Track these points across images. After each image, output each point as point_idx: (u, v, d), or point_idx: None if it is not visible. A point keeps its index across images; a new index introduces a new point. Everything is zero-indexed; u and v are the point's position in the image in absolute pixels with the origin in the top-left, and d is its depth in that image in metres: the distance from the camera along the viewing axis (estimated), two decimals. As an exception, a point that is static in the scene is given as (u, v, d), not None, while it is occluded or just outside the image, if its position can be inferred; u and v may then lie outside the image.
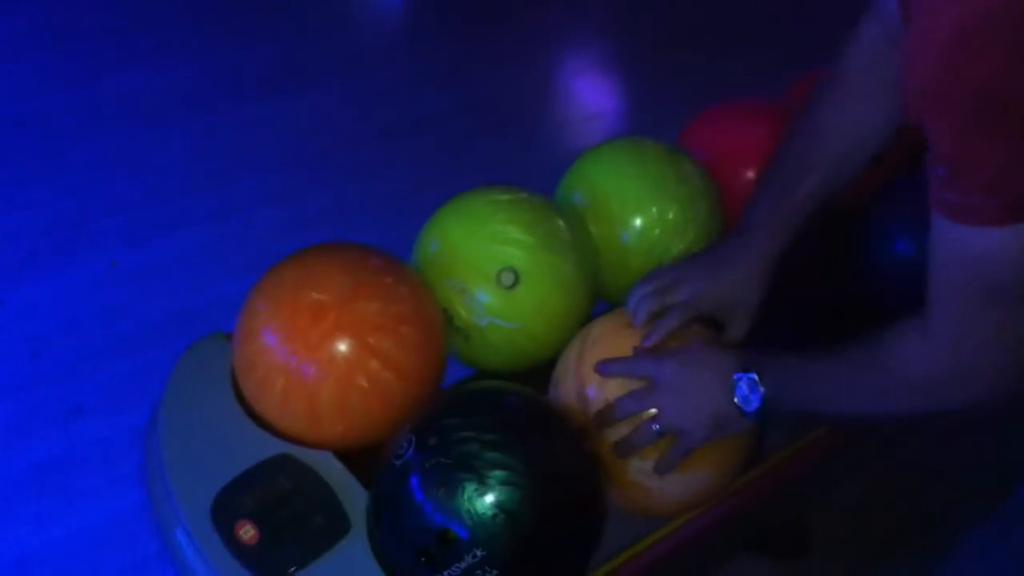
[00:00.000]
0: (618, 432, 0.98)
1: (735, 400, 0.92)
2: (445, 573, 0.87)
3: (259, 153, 2.87)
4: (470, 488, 0.87)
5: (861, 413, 0.92)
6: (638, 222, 1.19)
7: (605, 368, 0.99)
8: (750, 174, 1.32)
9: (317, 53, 3.49)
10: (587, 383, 1.02)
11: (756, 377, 0.91)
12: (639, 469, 0.99)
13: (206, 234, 2.50)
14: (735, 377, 0.92)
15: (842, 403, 0.92)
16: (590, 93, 3.52)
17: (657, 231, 1.19)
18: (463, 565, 0.87)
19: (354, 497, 0.97)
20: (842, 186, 1.05)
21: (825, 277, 1.36)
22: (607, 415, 0.98)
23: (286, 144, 2.92)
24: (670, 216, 1.19)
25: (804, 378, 0.92)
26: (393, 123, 3.05)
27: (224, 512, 0.92)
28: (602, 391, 1.00)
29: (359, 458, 1.02)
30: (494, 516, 0.86)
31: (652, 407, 0.96)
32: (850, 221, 1.33)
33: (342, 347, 0.98)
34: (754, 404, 0.91)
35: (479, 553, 0.86)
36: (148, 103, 3.11)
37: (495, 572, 0.87)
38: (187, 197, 2.64)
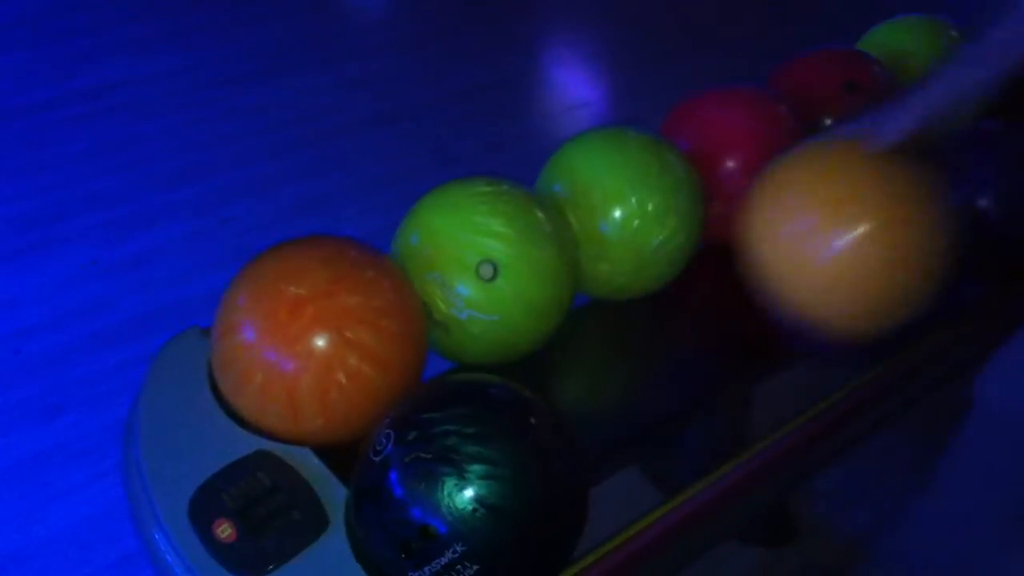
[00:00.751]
0: None
1: None
2: (426, 569, 0.87)
3: (243, 144, 2.86)
4: (450, 483, 0.87)
5: None
6: (618, 213, 1.19)
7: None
8: (733, 161, 1.32)
9: (302, 43, 3.48)
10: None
11: None
12: None
13: (188, 227, 2.49)
14: None
15: None
16: (577, 81, 3.52)
17: (637, 222, 1.18)
18: (443, 560, 0.86)
19: (333, 493, 0.96)
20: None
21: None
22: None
23: (269, 135, 2.91)
24: (650, 207, 1.19)
25: None
26: (379, 112, 3.05)
27: (202, 510, 0.91)
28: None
29: (338, 454, 1.01)
30: (474, 511, 0.86)
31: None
32: None
33: (321, 341, 0.97)
34: None
35: (459, 548, 0.86)
36: (130, 96, 3.09)
37: (476, 567, 0.87)
38: (170, 190, 2.63)
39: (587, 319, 1.27)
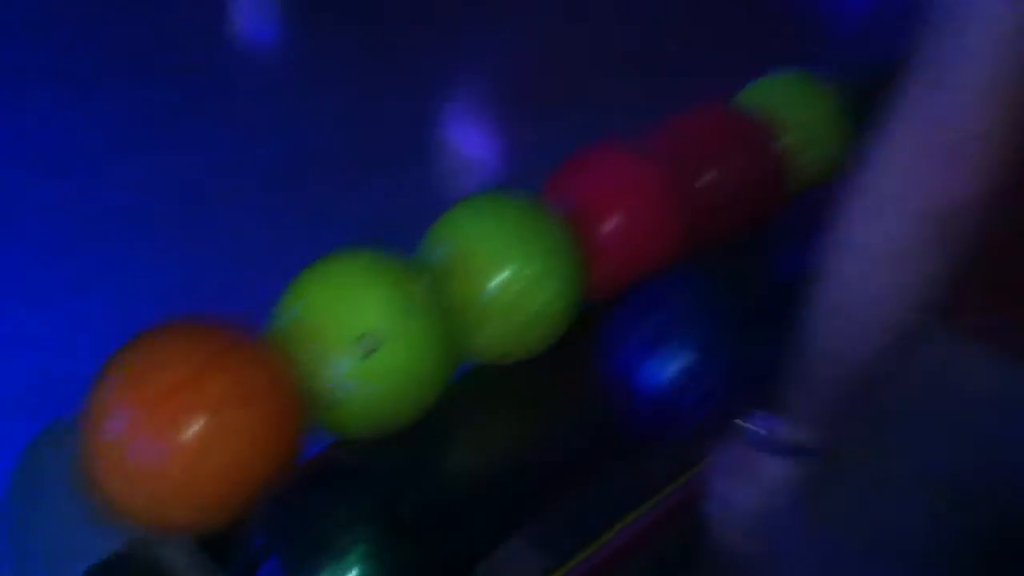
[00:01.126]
0: None
1: None
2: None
3: (120, 216, 2.75)
4: (329, 569, 0.85)
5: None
6: (498, 279, 1.19)
7: None
8: (612, 220, 1.34)
9: (181, 107, 3.40)
10: None
11: None
12: None
13: (66, 306, 2.38)
14: None
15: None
16: (470, 139, 3.54)
17: (517, 287, 1.19)
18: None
19: (209, 583, 0.93)
20: None
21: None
22: None
23: (146, 206, 2.80)
24: (529, 272, 1.20)
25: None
26: (266, 174, 2.99)
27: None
28: None
29: (217, 540, 0.98)
30: (354, 594, 0.85)
31: None
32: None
33: (191, 429, 0.94)
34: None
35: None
36: (7, 163, 2.98)
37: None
38: (44, 268, 2.51)
39: (470, 383, 1.26)
